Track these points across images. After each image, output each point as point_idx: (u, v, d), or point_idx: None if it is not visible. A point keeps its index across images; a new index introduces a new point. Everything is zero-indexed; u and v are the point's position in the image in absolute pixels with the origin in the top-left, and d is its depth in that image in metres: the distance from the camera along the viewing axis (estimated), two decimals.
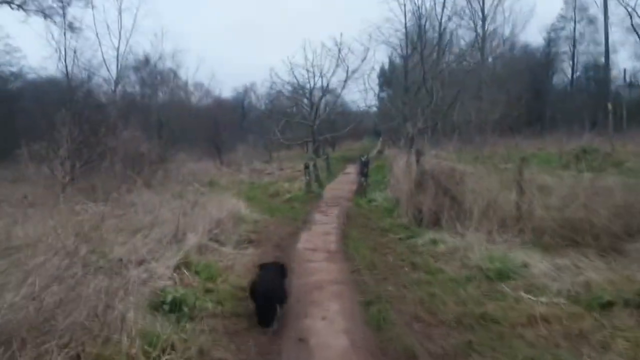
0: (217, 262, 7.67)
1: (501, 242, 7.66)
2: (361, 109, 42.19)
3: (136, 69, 43.79)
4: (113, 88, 38.75)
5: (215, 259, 7.86)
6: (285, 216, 12.68)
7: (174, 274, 6.43)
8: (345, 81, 34.40)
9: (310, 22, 71.68)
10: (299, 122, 35.72)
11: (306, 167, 16.08)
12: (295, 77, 34.87)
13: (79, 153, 16.57)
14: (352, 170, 27.23)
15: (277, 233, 10.43)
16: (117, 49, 39.56)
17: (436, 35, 36.82)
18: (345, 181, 20.69)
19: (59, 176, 14.75)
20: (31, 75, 35.39)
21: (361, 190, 15.57)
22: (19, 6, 24.39)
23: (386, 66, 44.87)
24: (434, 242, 8.42)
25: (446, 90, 33.34)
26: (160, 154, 19.26)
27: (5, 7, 24.18)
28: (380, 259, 7.89)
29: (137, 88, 44.84)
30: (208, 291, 6.19)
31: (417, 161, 10.60)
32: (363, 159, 17.71)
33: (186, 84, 50.53)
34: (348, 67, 34.31)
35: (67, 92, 36.05)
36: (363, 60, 34.26)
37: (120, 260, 5.95)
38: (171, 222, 8.51)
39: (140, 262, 6.28)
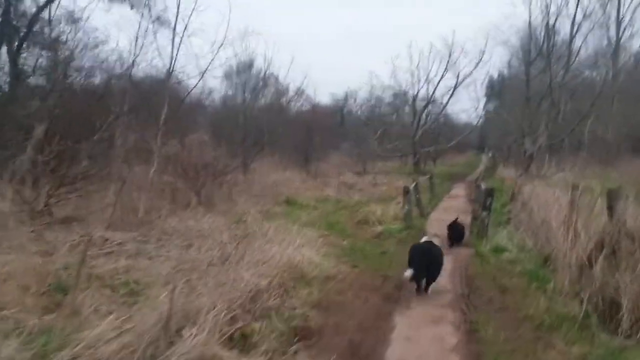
0: None
1: None
2: (468, 121, 36.54)
3: (238, 72, 41.56)
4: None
5: None
6: (373, 269, 8.45)
7: None
8: (455, 87, 29.54)
9: (419, 23, 66.43)
10: (398, 132, 31.35)
11: (406, 192, 11.71)
12: (397, 81, 30.56)
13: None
14: (459, 192, 22.38)
15: (354, 312, 6.21)
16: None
17: (565, 37, 30.66)
18: (454, 208, 15.98)
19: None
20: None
21: (481, 229, 10.95)
22: None
23: (496, 74, 39.16)
24: None
25: (575, 103, 27.41)
26: (228, 164, 15.68)
27: None
28: None
29: (239, 92, 42.81)
30: None
31: (610, 209, 5.89)
32: (482, 186, 13.02)
33: (287, 89, 48.00)
34: (459, 72, 29.42)
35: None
36: (477, 64, 29.24)
37: None
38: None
39: None
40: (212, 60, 12.83)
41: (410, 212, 11.79)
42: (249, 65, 43.02)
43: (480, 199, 14.85)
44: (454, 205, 16.80)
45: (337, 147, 36.29)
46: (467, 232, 11.38)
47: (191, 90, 14.94)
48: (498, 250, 9.51)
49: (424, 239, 8.18)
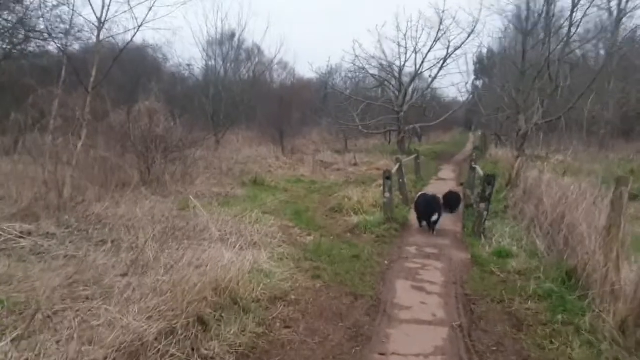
0: None
1: None
2: (455, 98, 34.16)
3: (220, 43, 38.67)
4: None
5: None
6: (340, 281, 6.30)
7: None
8: (445, 59, 27.20)
9: None
10: (382, 107, 29.07)
11: (387, 177, 9.52)
12: (383, 51, 28.14)
13: None
14: (448, 174, 20.33)
15: None
16: None
17: (566, 5, 28.30)
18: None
19: None
20: None
21: (478, 225, 8.87)
22: None
23: (487, 48, 36.81)
24: None
25: (575, 79, 25.30)
26: (187, 138, 13.33)
27: None
28: None
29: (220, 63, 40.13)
30: None
31: None
32: (477, 169, 10.93)
33: (271, 62, 45.38)
34: (450, 43, 27.09)
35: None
36: (470, 34, 26.94)
37: None
38: None
39: None
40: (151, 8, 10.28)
41: (391, 202, 9.63)
42: (231, 36, 40.43)
43: (473, 184, 12.84)
44: (444, 190, 14.68)
45: (318, 123, 34.02)
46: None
47: (125, 46, 12.33)
48: (501, 254, 7.43)
49: None
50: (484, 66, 41.29)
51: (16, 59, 19.89)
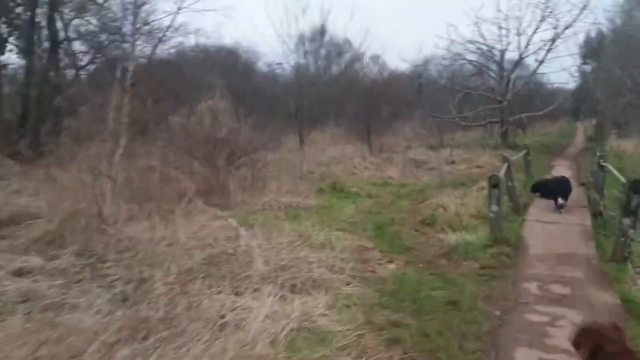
0: None
1: None
2: (565, 82, 29.89)
3: (311, 39, 37.26)
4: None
5: None
6: (431, 345, 4.22)
7: None
8: (554, 40, 23.59)
9: None
10: (482, 97, 26.00)
11: (494, 185, 7.15)
12: (481, 35, 25.06)
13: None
14: (563, 170, 17.12)
15: None
16: None
17: None
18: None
19: None
20: None
21: (621, 248, 6.34)
22: None
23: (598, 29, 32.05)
24: None
25: None
26: (257, 140, 11.76)
27: None
28: None
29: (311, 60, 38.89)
30: None
31: None
32: (618, 174, 8.29)
33: (362, 56, 43.45)
34: (558, 21, 23.49)
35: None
36: (582, 10, 23.17)
37: None
38: None
39: None
40: None
41: (499, 218, 7.29)
42: (321, 32, 38.99)
43: (601, 185, 10.06)
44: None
45: (411, 117, 31.46)
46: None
47: (164, 34, 10.95)
48: None
49: None
50: (592, 49, 36.42)
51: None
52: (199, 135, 10.62)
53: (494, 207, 7.15)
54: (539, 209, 10.29)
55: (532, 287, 5.65)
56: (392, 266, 6.73)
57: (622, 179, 6.98)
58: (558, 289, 5.54)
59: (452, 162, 18.48)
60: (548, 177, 11.26)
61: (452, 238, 7.74)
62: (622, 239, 6.42)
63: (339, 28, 41.99)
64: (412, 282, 5.78)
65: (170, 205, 8.77)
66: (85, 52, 19.79)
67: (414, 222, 9.71)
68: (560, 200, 9.98)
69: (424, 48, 54.64)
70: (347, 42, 40.29)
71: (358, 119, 23.30)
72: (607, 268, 6.25)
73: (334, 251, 6.80)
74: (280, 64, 33.43)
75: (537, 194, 10.54)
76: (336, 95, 29.70)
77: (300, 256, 6.19)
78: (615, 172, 8.47)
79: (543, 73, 27.76)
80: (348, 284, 5.60)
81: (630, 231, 6.35)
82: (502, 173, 8.03)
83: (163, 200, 8.44)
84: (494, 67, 26.12)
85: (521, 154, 13.50)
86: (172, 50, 25.94)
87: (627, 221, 6.40)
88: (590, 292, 5.48)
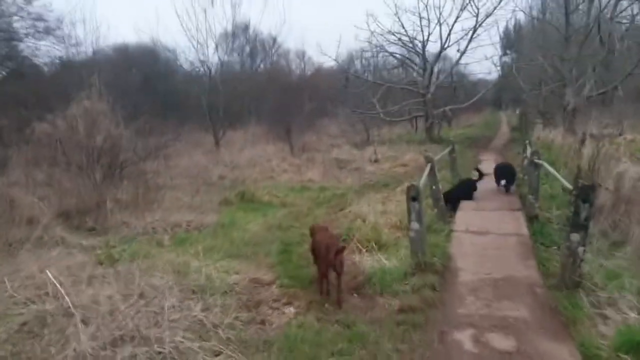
0: None
1: None
2: (488, 72, 29.52)
3: (235, 36, 34.93)
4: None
5: None
6: None
7: None
8: (475, 29, 22.97)
9: None
10: (405, 90, 25.09)
11: (413, 198, 5.70)
12: (402, 25, 24.06)
13: None
14: (492, 167, 16.28)
15: None
16: None
17: None
18: (491, 203, 10.00)
19: None
20: None
21: (570, 272, 5.12)
22: None
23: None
24: None
25: (632, 40, 20.79)
26: (146, 146, 9.84)
27: None
28: None
29: (235, 57, 36.67)
30: None
31: None
32: (539, 163, 7.16)
33: (287, 52, 41.76)
34: (479, 10, 22.89)
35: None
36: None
37: None
38: None
39: None
40: None
41: (422, 238, 5.86)
42: (244, 28, 36.93)
43: (537, 186, 9.00)
44: (492, 196, 10.81)
45: (335, 114, 30.20)
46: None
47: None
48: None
49: None
50: (511, 39, 36.85)
51: None
52: (69, 143, 8.59)
53: (415, 225, 5.72)
54: (466, 212, 9.09)
55: (465, 339, 4.22)
56: (290, 310, 5.18)
57: (567, 184, 5.75)
58: (499, 341, 4.14)
59: (376, 161, 17.27)
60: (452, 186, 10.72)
61: (367, 261, 6.29)
62: (571, 259, 5.18)
63: (255, 21, 39.84)
64: (308, 343, 4.23)
65: (18, 235, 6.81)
66: None
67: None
68: (502, 182, 10.75)
69: (344, 40, 53.38)
70: (272, 38, 38.72)
71: (278, 116, 21.67)
72: (557, 300, 4.96)
73: (214, 295, 5.16)
74: (203, 62, 31.27)
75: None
76: (258, 93, 28.00)
77: (158, 312, 4.49)
78: (554, 172, 7.30)
79: (466, 64, 27.28)
80: (217, 355, 3.98)
81: (580, 249, 5.13)
82: (422, 181, 6.64)
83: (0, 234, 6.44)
84: (416, 59, 25.25)
85: (446, 151, 12.34)
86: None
87: (575, 237, 5.14)
88: (541, 345, 4.11)
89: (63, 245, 6.71)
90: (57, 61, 23.22)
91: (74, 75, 15.15)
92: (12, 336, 4.13)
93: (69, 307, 4.27)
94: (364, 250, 6.77)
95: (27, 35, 19.41)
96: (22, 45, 19.84)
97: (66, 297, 4.31)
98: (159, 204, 9.25)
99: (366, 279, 5.74)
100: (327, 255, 5.15)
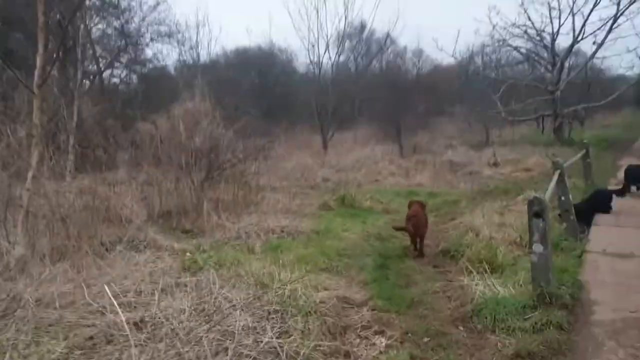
0: None
1: None
2: (631, 66, 25.84)
3: (351, 36, 34.74)
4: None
5: None
6: None
7: None
8: (615, 19, 20.20)
9: None
10: (531, 87, 22.91)
11: (536, 214, 4.62)
12: (528, 17, 21.96)
13: None
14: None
15: None
16: None
17: None
18: (635, 218, 8.33)
19: None
20: None
21: None
22: None
23: None
24: None
25: None
26: (246, 148, 9.63)
27: None
28: None
29: (351, 58, 36.48)
30: None
31: None
32: None
33: (404, 51, 40.65)
34: None
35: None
36: None
37: None
38: None
39: None
40: None
41: (546, 263, 4.73)
42: (359, 28, 36.52)
43: None
44: (637, 206, 9.12)
45: (452, 114, 28.60)
46: None
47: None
48: None
49: None
50: None
51: None
52: (170, 144, 8.58)
53: (538, 247, 4.66)
54: (603, 228, 7.65)
55: None
56: (382, 341, 4.42)
57: None
58: None
59: (495, 164, 15.76)
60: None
61: (477, 287, 5.30)
62: None
63: (367, 17, 39.05)
64: None
65: (112, 235, 6.80)
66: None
67: (434, 252, 7.38)
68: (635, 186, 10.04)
69: (463, 35, 50.54)
70: (388, 36, 37.78)
71: (388, 116, 20.79)
72: None
73: (295, 316, 4.56)
74: (314, 62, 31.22)
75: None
76: (370, 93, 27.37)
77: (228, 333, 3.98)
78: None
79: (603, 57, 24.20)
80: None
81: None
82: (549, 192, 5.48)
83: (96, 234, 6.42)
84: (544, 53, 22.92)
85: (579, 155, 10.69)
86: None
87: None
88: None
89: (154, 247, 6.56)
90: (178, 64, 24.57)
91: (190, 78, 15.63)
92: (73, 352, 3.84)
93: (139, 320, 3.92)
94: (475, 272, 5.77)
95: (152, 40, 20.72)
96: (147, 50, 21.24)
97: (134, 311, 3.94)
98: (256, 207, 8.94)
99: (475, 308, 4.79)
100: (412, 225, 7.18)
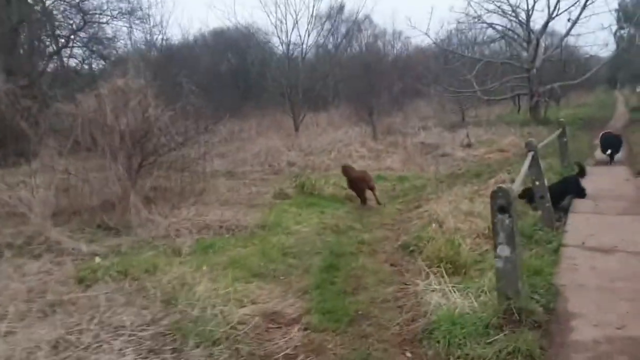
0: None
1: None
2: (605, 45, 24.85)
3: (329, 17, 33.09)
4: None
5: None
6: None
7: None
8: None
9: None
10: (507, 66, 21.93)
11: (501, 208, 3.57)
12: None
13: None
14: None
15: None
16: None
17: None
18: (615, 203, 7.39)
19: None
20: None
21: None
22: None
23: None
24: None
25: None
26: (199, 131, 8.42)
27: None
28: None
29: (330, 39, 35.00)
30: None
31: None
32: None
33: (384, 33, 39.31)
34: None
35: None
36: None
37: None
38: None
39: None
40: None
41: (513, 270, 3.68)
42: (339, 9, 34.97)
43: None
44: (617, 189, 8.19)
45: (427, 94, 27.52)
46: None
47: None
48: None
49: None
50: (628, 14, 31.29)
51: None
52: (94, 127, 7.37)
53: (503, 250, 3.62)
54: (582, 216, 6.69)
55: None
56: None
57: None
58: None
59: (468, 145, 14.77)
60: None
61: (433, 296, 4.28)
62: None
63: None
64: None
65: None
66: None
67: (394, 246, 6.36)
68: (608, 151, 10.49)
69: (438, 12, 49.09)
70: (367, 18, 36.36)
71: (362, 98, 19.68)
72: None
73: (199, 346, 3.49)
74: (295, 44, 29.60)
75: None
76: (344, 74, 26.23)
77: None
78: None
79: (577, 34, 23.28)
80: None
81: None
82: (518, 181, 4.44)
83: None
84: (519, 30, 21.91)
85: (555, 134, 9.72)
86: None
87: None
88: None
89: (56, 251, 5.41)
90: (143, 47, 23.05)
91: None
92: None
93: None
94: (432, 275, 4.75)
95: (113, 17, 19.22)
96: (107, 29, 19.73)
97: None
98: (198, 198, 7.80)
99: (428, 327, 3.77)
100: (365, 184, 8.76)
